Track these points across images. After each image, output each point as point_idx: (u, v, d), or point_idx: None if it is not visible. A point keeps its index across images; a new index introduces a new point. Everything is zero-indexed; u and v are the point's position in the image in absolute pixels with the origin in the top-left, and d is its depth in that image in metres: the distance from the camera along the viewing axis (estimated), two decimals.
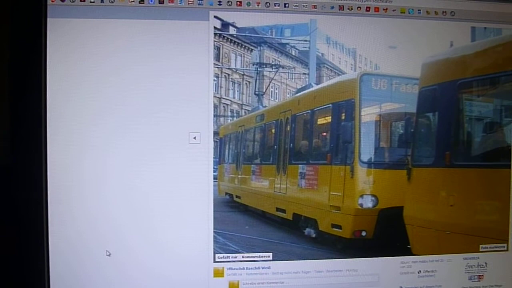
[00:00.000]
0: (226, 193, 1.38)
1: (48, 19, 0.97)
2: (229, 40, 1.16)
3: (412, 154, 1.26)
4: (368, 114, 1.33)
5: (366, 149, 1.27)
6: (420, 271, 1.18)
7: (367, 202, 1.24)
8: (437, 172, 1.24)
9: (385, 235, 1.24)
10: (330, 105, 1.37)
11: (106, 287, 1.04)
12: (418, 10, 1.18)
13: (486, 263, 1.21)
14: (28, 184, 0.97)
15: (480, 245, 1.20)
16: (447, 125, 1.25)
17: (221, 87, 1.21)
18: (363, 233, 1.25)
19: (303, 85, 1.31)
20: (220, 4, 1.09)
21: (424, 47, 1.19)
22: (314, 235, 1.29)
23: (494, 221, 1.20)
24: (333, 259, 1.15)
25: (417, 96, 1.25)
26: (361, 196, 1.24)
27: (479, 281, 1.21)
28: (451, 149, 1.23)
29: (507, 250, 1.21)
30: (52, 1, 0.99)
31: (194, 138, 1.07)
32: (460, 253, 1.19)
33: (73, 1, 1.00)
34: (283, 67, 1.30)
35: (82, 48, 0.98)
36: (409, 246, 1.21)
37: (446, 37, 1.20)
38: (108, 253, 1.06)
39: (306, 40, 1.22)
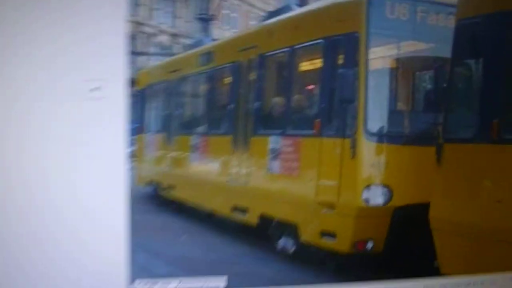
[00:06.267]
0: (151, 182, 1.19)
1: None
2: None
3: (444, 123, 0.99)
4: (380, 57, 1.02)
5: (376, 112, 0.98)
6: None
7: (376, 197, 0.98)
8: (479, 150, 0.96)
9: (401, 247, 1.00)
10: (321, 40, 1.05)
11: None
12: None
13: None
14: None
15: None
16: (496, 79, 0.96)
17: (140, 5, 1.01)
18: (369, 245, 1.00)
19: (278, 7, 1.08)
20: None
21: None
22: (292, 249, 1.04)
23: None
24: (322, 285, 0.87)
25: (453, 32, 0.96)
26: (367, 187, 0.98)
27: None
28: (501, 115, 0.96)
29: None
30: None
31: (96, 88, 0.78)
32: None
33: None
34: None
35: None
36: (436, 263, 0.96)
37: None
38: None
39: None
